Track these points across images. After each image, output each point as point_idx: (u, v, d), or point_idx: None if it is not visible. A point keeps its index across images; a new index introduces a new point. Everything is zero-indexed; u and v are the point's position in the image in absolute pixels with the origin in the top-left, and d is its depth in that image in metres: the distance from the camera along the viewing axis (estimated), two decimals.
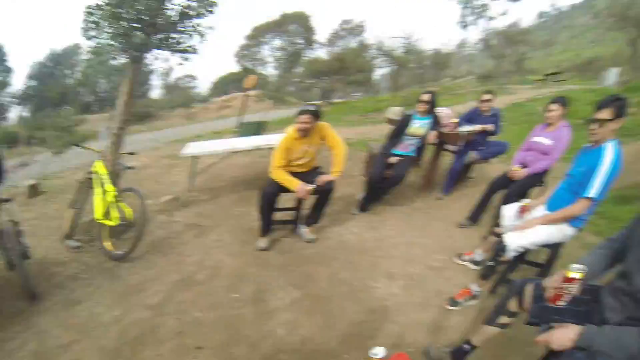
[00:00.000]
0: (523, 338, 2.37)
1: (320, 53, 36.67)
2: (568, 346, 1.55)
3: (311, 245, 3.88)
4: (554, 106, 3.77)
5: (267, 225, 3.80)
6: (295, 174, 3.66)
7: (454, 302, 2.92)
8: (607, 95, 2.50)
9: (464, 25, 25.46)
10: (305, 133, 3.59)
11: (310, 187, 3.57)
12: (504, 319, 2.08)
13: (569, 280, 1.78)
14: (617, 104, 2.40)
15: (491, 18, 24.14)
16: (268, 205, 3.68)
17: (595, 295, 1.79)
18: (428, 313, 2.88)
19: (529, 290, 1.94)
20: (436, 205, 4.99)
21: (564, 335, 1.57)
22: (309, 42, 39.35)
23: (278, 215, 3.95)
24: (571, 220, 2.67)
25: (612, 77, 17.73)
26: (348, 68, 28.20)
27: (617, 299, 1.69)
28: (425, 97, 4.53)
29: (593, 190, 2.47)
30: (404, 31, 29.53)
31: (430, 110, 4.55)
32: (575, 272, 1.76)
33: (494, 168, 5.88)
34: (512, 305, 2.02)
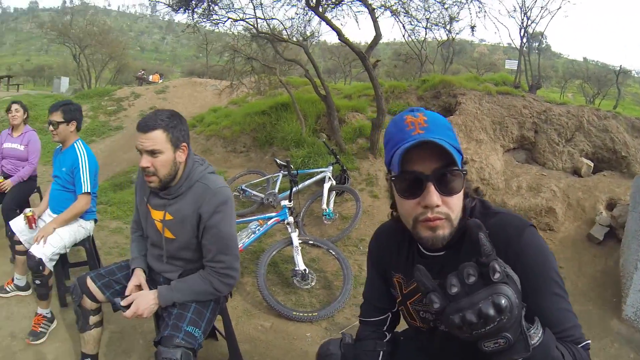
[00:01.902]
0: (130, 324, 2.96)
1: None
2: (154, 309, 1.93)
3: None
4: (16, 106, 4.23)
5: None
6: None
7: (35, 334, 2.82)
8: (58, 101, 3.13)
9: None
10: None
11: None
12: (93, 319, 2.18)
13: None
14: (65, 108, 2.97)
15: None
16: None
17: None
18: None
19: (90, 285, 2.11)
20: None
21: (147, 302, 1.89)
22: None
23: None
24: (82, 215, 3.06)
25: (64, 85, 22.30)
26: None
27: (161, 262, 2.10)
28: None
29: (85, 186, 2.97)
30: None
31: None
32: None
33: None
34: (88, 304, 2.13)
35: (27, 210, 3.10)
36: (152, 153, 1.85)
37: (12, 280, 3.37)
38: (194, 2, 6.36)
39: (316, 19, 6.71)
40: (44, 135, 5.34)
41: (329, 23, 5.87)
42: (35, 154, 4.27)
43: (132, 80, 26.69)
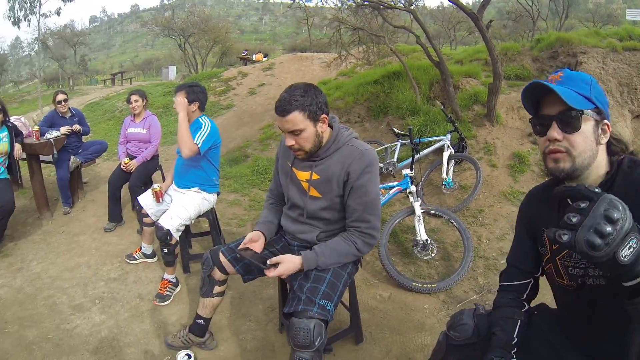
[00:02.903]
0: (251, 289, 3.25)
1: None
2: (295, 272, 1.99)
3: None
4: (134, 97, 4.65)
5: None
6: None
7: (161, 297, 3.15)
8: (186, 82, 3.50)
9: (14, 22, 20.46)
10: None
11: None
12: (217, 289, 2.37)
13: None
14: (189, 89, 3.19)
15: (45, 16, 20.69)
16: None
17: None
18: (147, 319, 2.98)
19: (222, 258, 2.27)
20: (67, 220, 4.84)
21: (292, 266, 1.97)
22: None
23: None
24: (206, 188, 3.35)
25: (171, 73, 26.08)
26: None
27: (299, 223, 2.21)
28: None
29: (197, 139, 3.10)
30: None
31: (3, 120, 4.21)
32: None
33: (102, 167, 6.91)
34: (218, 275, 2.32)
35: (155, 185, 3.40)
36: (294, 132, 1.94)
37: (140, 248, 3.79)
38: None
39: None
40: (160, 119, 5.84)
41: None
42: (156, 136, 4.67)
43: (235, 61, 27.81)
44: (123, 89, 18.17)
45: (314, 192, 2.10)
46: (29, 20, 19.82)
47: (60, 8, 19.78)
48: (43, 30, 25.25)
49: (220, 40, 28.06)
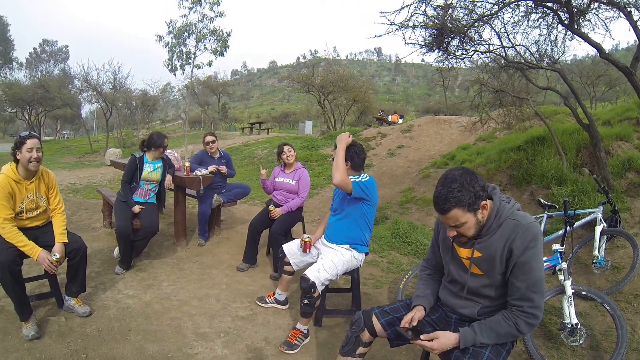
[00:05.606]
0: (382, 353, 3.23)
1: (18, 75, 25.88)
2: (448, 348, 2.01)
3: (91, 320, 3.44)
4: (287, 147, 5.00)
5: (24, 306, 3.16)
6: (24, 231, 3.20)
7: (290, 345, 3.24)
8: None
9: (171, 69, 22.30)
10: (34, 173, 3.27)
11: (55, 257, 3.19)
12: (361, 350, 2.41)
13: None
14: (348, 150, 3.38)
15: (197, 66, 22.38)
16: (11, 278, 3.04)
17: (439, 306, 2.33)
18: None
19: (375, 320, 2.35)
20: (201, 252, 5.31)
21: (447, 342, 2.00)
22: (6, 59, 37.50)
23: (28, 288, 3.36)
24: (357, 247, 3.49)
25: (308, 128, 28.34)
26: (53, 99, 27.17)
27: (458, 298, 2.20)
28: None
29: (353, 178, 3.27)
30: (111, 64, 28.00)
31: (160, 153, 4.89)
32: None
33: (239, 209, 7.39)
34: (366, 336, 2.37)
35: (305, 235, 3.59)
36: (456, 226, 1.97)
37: (274, 294, 3.92)
38: (447, 40, 6.41)
39: (560, 37, 6.39)
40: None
41: (587, 40, 5.33)
42: (305, 188, 4.93)
43: (371, 121, 28.80)
44: (261, 138, 19.82)
45: (475, 270, 2.10)
46: (183, 69, 22.52)
47: (211, 61, 22.52)
48: (193, 79, 28.37)
49: (359, 100, 29.11)
